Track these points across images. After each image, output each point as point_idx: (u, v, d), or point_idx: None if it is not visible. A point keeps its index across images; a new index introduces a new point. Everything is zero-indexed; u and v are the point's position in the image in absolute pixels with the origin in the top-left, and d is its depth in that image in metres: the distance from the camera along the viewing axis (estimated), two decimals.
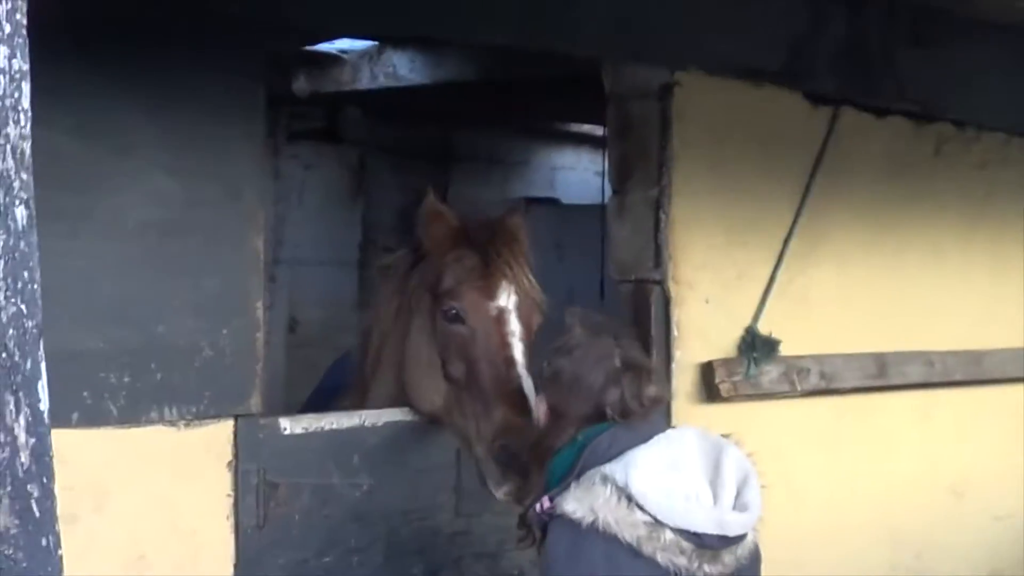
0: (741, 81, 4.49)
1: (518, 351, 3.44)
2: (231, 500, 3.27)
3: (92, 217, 3.04)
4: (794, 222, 4.72)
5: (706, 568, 2.70)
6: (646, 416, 2.86)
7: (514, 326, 3.49)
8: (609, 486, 2.66)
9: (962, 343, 5.43)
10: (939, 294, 5.40)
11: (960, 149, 5.50)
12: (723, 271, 4.50)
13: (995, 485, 5.68)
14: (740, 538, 2.77)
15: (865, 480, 5.09)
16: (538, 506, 2.81)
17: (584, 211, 6.64)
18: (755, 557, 2.90)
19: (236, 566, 3.28)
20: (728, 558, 2.74)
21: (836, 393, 4.87)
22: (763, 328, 4.54)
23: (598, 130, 7.67)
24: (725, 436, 2.89)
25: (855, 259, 5.03)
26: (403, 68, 5.98)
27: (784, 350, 4.56)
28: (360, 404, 3.76)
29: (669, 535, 2.65)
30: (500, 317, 3.50)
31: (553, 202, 7.60)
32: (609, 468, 2.70)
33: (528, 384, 3.32)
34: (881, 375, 5.00)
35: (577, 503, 2.68)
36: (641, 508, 2.64)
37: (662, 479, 2.68)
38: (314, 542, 3.44)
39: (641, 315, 4.29)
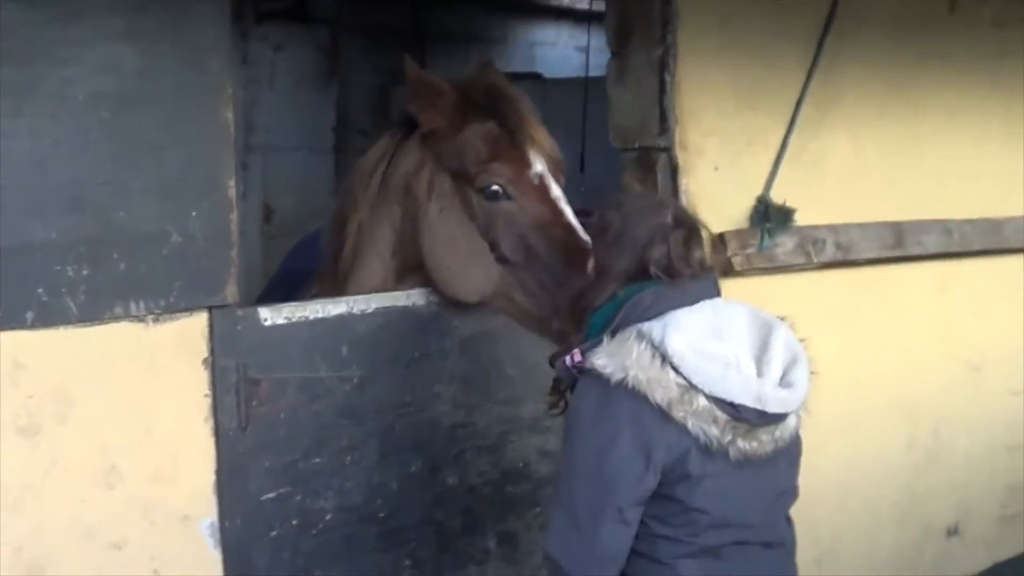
0: None
1: (571, 215, 3.23)
2: (209, 400, 3.00)
3: (37, 92, 2.71)
4: (805, 85, 4.46)
5: (740, 443, 2.55)
6: (694, 280, 2.67)
7: (557, 190, 3.29)
8: (644, 343, 2.54)
9: (981, 211, 5.23)
10: (956, 160, 5.18)
11: (976, 5, 5.21)
12: (733, 137, 4.25)
13: (1012, 359, 5.57)
14: (780, 417, 2.60)
15: (882, 355, 4.95)
16: (568, 359, 2.67)
17: (567, 85, 6.41)
18: (795, 444, 2.73)
19: (218, 473, 3.02)
20: (765, 437, 2.59)
21: (852, 265, 4.67)
22: (776, 197, 4.32)
23: (579, 3, 7.44)
24: (781, 317, 2.72)
25: (869, 124, 4.79)
26: None
27: (798, 220, 4.34)
28: (334, 294, 3.48)
29: (702, 401, 2.51)
30: (542, 185, 3.29)
31: (536, 77, 7.31)
32: (647, 326, 2.57)
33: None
34: (898, 245, 4.81)
35: (609, 358, 2.55)
36: (676, 370, 2.51)
37: (702, 343, 2.53)
38: (302, 442, 3.21)
39: (646, 185, 4.03)
